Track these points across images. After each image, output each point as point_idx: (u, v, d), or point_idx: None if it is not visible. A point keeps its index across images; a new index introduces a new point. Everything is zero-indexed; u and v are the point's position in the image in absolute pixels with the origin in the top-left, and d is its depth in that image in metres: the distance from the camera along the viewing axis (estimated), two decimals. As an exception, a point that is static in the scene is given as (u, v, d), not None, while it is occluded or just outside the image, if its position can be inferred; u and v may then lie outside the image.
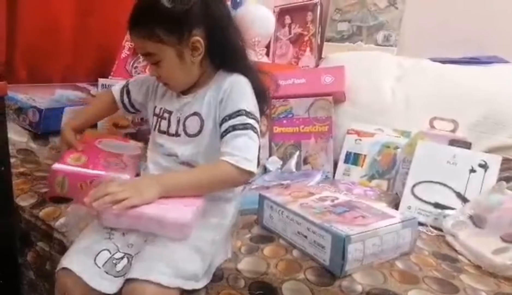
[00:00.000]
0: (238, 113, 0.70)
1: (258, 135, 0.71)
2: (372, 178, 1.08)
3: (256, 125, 0.71)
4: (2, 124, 0.64)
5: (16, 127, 1.06)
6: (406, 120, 1.11)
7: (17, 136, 1.05)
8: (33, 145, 1.06)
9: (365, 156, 1.11)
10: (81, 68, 1.29)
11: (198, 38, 0.69)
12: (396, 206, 0.90)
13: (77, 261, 0.60)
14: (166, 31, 0.67)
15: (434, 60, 1.23)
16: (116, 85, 0.90)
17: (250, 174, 0.69)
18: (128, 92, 0.86)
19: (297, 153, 1.17)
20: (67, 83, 1.25)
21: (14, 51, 1.11)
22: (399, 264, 0.66)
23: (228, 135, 0.69)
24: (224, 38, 0.72)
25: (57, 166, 0.80)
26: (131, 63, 1.36)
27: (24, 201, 0.85)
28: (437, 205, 0.85)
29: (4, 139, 0.65)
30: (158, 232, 0.63)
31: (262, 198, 0.78)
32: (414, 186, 0.89)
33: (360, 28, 1.44)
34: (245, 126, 0.69)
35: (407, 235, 0.68)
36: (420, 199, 0.87)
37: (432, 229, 0.81)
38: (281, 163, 1.17)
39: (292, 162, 1.16)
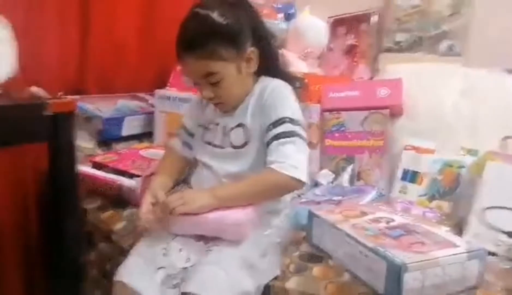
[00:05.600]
0: (282, 121, 0.69)
1: (304, 141, 0.70)
2: (432, 198, 1.00)
3: (301, 131, 0.70)
4: (72, 139, 0.70)
5: (85, 135, 1.17)
6: (472, 137, 1.01)
7: (86, 143, 1.15)
8: (98, 151, 1.16)
9: (424, 173, 1.03)
10: (141, 80, 1.39)
11: (252, 49, 0.71)
12: (460, 231, 0.82)
13: (136, 277, 0.63)
14: (226, 48, 0.68)
15: (508, 71, 1.11)
16: (172, 141, 0.86)
17: (299, 181, 0.67)
18: (188, 132, 0.83)
19: (350, 167, 1.13)
20: (128, 93, 1.35)
21: (85, 66, 1.22)
22: (465, 299, 0.60)
23: (274, 143, 0.68)
24: (267, 45, 0.74)
25: (80, 168, 0.89)
26: (187, 75, 1.42)
27: (88, 204, 0.93)
28: (511, 234, 0.76)
29: (73, 152, 0.72)
30: (218, 234, 0.66)
31: (311, 215, 0.76)
32: (483, 211, 0.81)
33: (420, 38, 1.36)
34: (290, 134, 0.68)
35: (474, 268, 0.61)
36: (490, 226, 0.79)
37: (505, 261, 0.73)
38: (333, 176, 1.14)
39: (345, 177, 1.11)
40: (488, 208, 0.80)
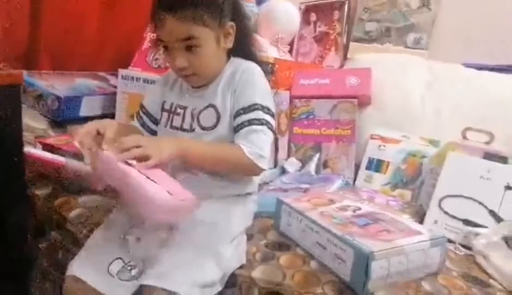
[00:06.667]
0: (253, 107, 0.68)
1: (273, 131, 0.70)
2: (395, 186, 1.03)
3: (271, 120, 0.70)
4: (17, 116, 0.62)
5: (35, 113, 1.06)
6: (436, 128, 1.05)
7: (36, 123, 1.04)
8: (51, 133, 1.05)
9: (388, 163, 1.06)
10: (102, 57, 1.29)
11: (232, 23, 0.70)
12: (420, 219, 0.85)
13: (89, 270, 0.58)
14: (210, 15, 0.67)
15: (469, 66, 1.16)
16: (132, 122, 0.81)
17: (260, 169, 0.68)
18: (150, 117, 0.78)
19: (317, 155, 1.13)
20: (87, 71, 1.24)
21: (37, 39, 1.10)
22: (426, 286, 0.61)
23: (244, 129, 0.68)
24: (243, 26, 0.73)
25: (29, 150, 0.83)
26: (152, 55, 1.34)
27: (39, 190, 0.85)
28: (467, 222, 0.79)
29: (18, 131, 0.63)
30: (132, 200, 0.57)
31: (280, 203, 0.74)
32: (441, 199, 0.84)
33: (389, 29, 1.37)
34: (260, 122, 0.68)
35: (436, 255, 0.63)
36: (448, 214, 0.82)
37: (460, 248, 0.76)
38: (300, 164, 1.14)
39: (312, 165, 1.12)
40: (446, 196, 0.83)
